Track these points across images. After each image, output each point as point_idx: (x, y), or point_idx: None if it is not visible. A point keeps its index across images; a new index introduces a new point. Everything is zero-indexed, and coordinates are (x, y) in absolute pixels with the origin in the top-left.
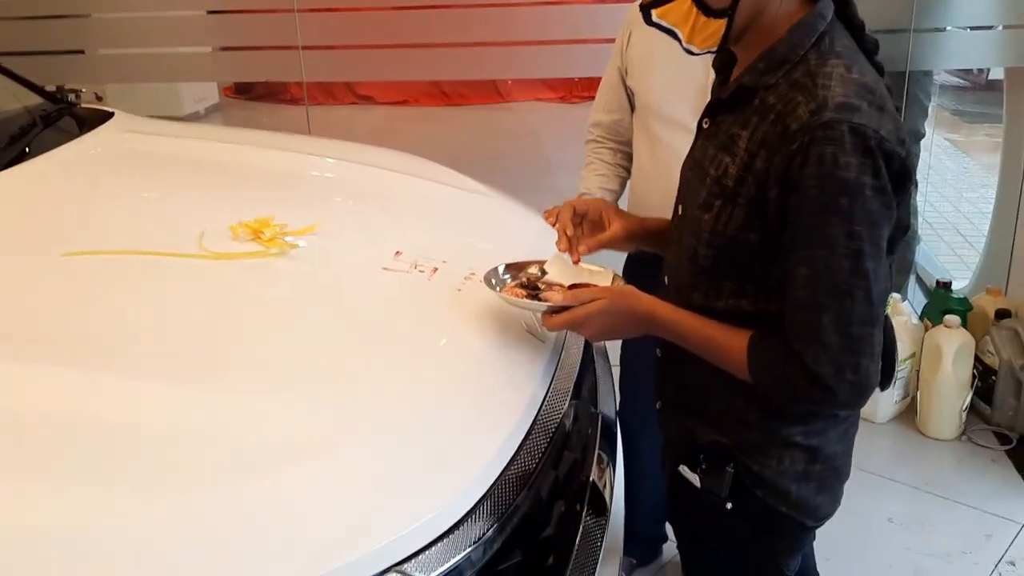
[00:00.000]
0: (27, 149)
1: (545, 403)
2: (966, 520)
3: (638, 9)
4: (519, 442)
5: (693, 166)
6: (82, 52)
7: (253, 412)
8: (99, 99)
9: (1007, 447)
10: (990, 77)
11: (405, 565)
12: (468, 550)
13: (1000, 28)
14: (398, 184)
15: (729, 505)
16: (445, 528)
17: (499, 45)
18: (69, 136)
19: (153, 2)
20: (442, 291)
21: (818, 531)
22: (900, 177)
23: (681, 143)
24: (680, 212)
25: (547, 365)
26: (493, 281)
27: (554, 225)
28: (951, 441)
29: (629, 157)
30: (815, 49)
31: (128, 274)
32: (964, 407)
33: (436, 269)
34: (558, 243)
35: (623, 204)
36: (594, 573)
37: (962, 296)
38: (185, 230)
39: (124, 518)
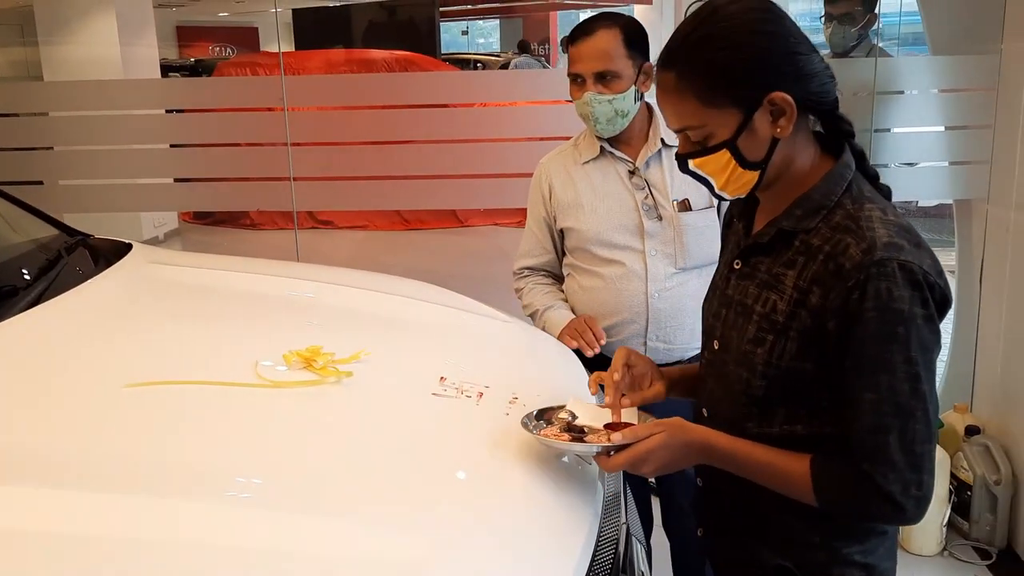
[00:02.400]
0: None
1: (602, 528)
2: None
3: (549, 166)
4: (587, 566)
5: (727, 303)
6: (41, 183)
7: (325, 537)
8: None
9: (988, 562)
10: (920, 204)
11: None
12: None
13: (947, 164)
14: (428, 312)
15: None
16: None
17: (469, 178)
18: (88, 267)
19: (121, 136)
20: (491, 415)
21: None
22: (942, 305)
23: (630, 259)
24: (718, 347)
25: (597, 487)
26: (532, 428)
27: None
28: (934, 557)
29: (559, 287)
30: (847, 195)
31: (192, 404)
32: (944, 522)
33: (481, 394)
34: (606, 396)
35: None
36: None
37: None
38: (238, 359)
39: None
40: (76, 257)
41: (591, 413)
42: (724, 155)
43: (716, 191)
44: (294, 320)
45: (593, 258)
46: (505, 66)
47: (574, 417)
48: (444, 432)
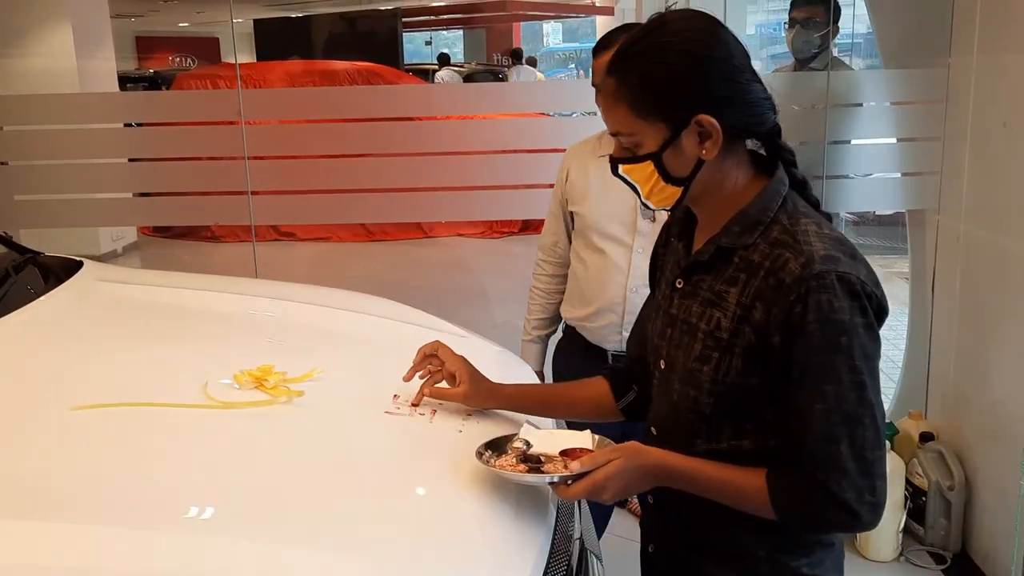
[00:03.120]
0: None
1: (554, 544)
2: None
3: (572, 153)
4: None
5: (672, 323)
6: None
7: (279, 562)
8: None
9: (943, 566)
10: (877, 213)
11: None
12: None
13: (899, 175)
14: (382, 328)
15: None
16: None
17: (429, 191)
18: (38, 285)
19: (77, 150)
20: (444, 432)
21: None
22: (879, 314)
23: (615, 251)
24: (664, 367)
25: (550, 505)
26: (486, 460)
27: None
28: (890, 562)
29: (563, 278)
30: (783, 210)
31: (140, 426)
32: (899, 528)
33: (435, 411)
34: (405, 375)
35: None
36: None
37: (888, 421)
38: (188, 380)
39: None
40: (25, 275)
41: (546, 440)
42: (649, 166)
43: (642, 199)
44: (246, 338)
45: (589, 244)
46: (469, 77)
47: (528, 446)
48: (396, 451)
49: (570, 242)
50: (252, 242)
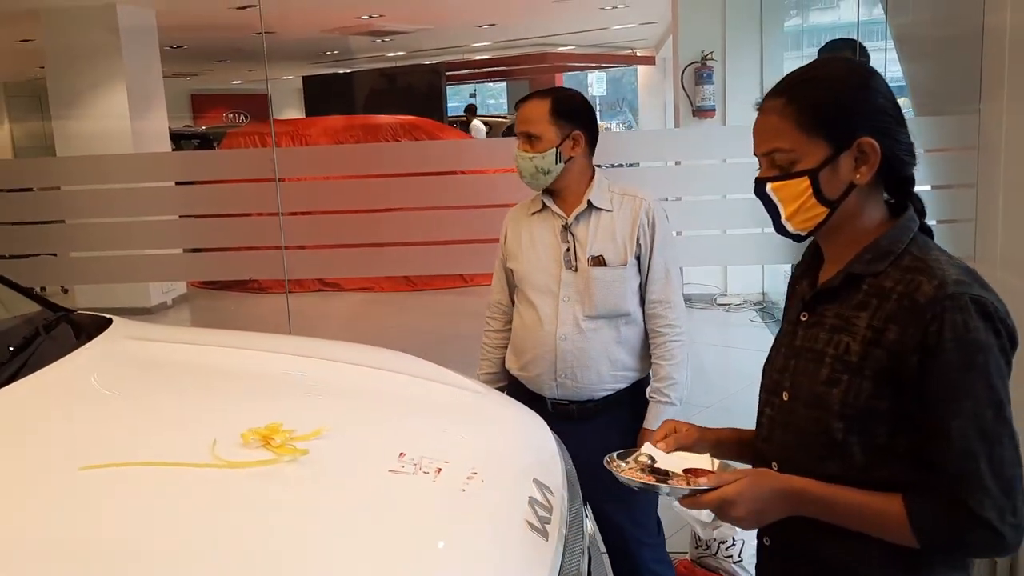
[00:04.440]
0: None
1: None
2: None
3: (511, 214)
4: None
5: (795, 354)
6: (54, 255)
7: None
8: (65, 291)
9: None
10: None
11: None
12: None
13: (935, 223)
14: (395, 384)
15: None
16: None
17: (462, 243)
18: (68, 342)
19: (126, 208)
20: (447, 492)
21: None
22: (1012, 341)
23: (544, 302)
24: (787, 398)
25: (554, 558)
26: (615, 466)
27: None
28: None
29: (508, 333)
30: (914, 243)
31: (146, 486)
32: None
33: (440, 470)
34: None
35: None
36: None
37: None
38: (197, 438)
39: None
40: (57, 333)
41: (668, 459)
42: (803, 183)
43: (782, 220)
44: (259, 396)
45: (523, 297)
46: (511, 128)
47: (653, 460)
48: (395, 511)
49: (512, 299)
50: (286, 295)
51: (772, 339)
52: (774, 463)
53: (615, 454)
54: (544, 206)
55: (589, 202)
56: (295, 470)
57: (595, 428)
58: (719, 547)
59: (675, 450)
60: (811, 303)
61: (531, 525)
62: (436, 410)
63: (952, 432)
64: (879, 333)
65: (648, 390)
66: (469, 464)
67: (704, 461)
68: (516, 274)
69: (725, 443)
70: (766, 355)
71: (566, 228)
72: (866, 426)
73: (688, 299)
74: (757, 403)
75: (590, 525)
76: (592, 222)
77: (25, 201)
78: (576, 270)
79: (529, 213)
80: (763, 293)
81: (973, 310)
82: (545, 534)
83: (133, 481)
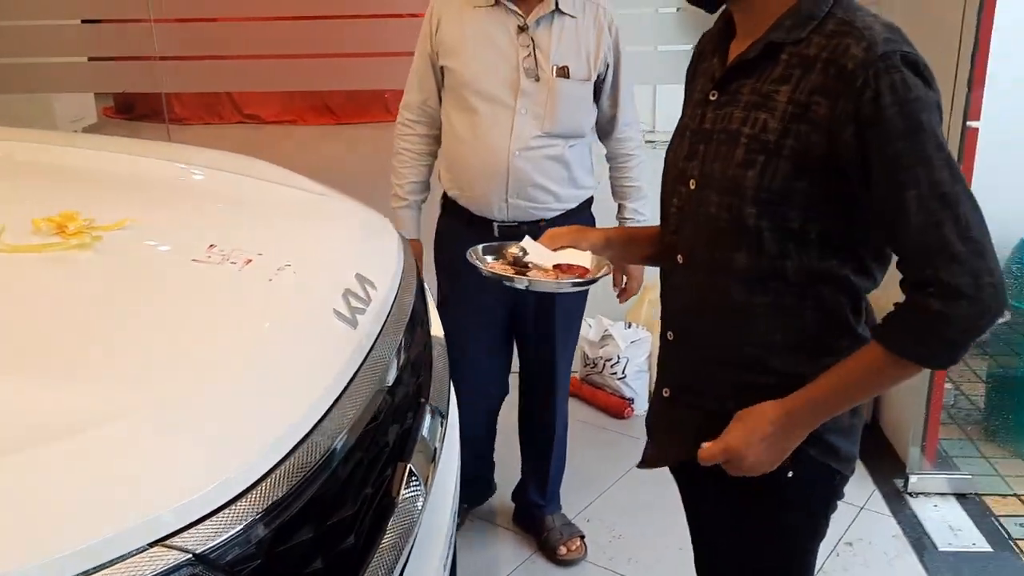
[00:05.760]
0: None
1: (355, 382)
2: None
3: (443, 3)
4: (317, 417)
5: (704, 138)
6: None
7: (28, 393)
8: None
9: None
10: None
11: (173, 539)
12: (245, 524)
13: None
14: (224, 182)
15: (791, 474)
16: (222, 502)
17: (372, 56)
18: None
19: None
20: (251, 281)
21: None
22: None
23: (497, 113)
24: (695, 186)
25: (358, 347)
26: (476, 258)
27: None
28: None
29: (435, 139)
30: (837, 4)
31: None
32: None
33: (250, 261)
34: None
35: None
36: (410, 540)
37: None
38: None
39: None
40: None
41: (543, 254)
42: None
43: None
44: (64, 188)
45: (465, 105)
46: None
47: (524, 253)
48: (184, 297)
49: (441, 101)
50: (165, 123)
51: None
52: (680, 256)
53: (481, 247)
54: (498, 1)
55: (557, 3)
56: (88, 257)
57: None
58: (604, 364)
59: (562, 248)
60: (723, 80)
61: (338, 313)
62: (266, 208)
63: (909, 204)
64: (804, 108)
65: (624, 213)
66: (285, 257)
67: (584, 258)
68: (456, 75)
69: (615, 242)
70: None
71: (523, 30)
72: (779, 210)
73: None
74: (660, 195)
75: (438, 336)
76: (556, 27)
77: None
78: (538, 80)
79: (473, 5)
80: None
81: (906, 67)
82: (354, 323)
83: None
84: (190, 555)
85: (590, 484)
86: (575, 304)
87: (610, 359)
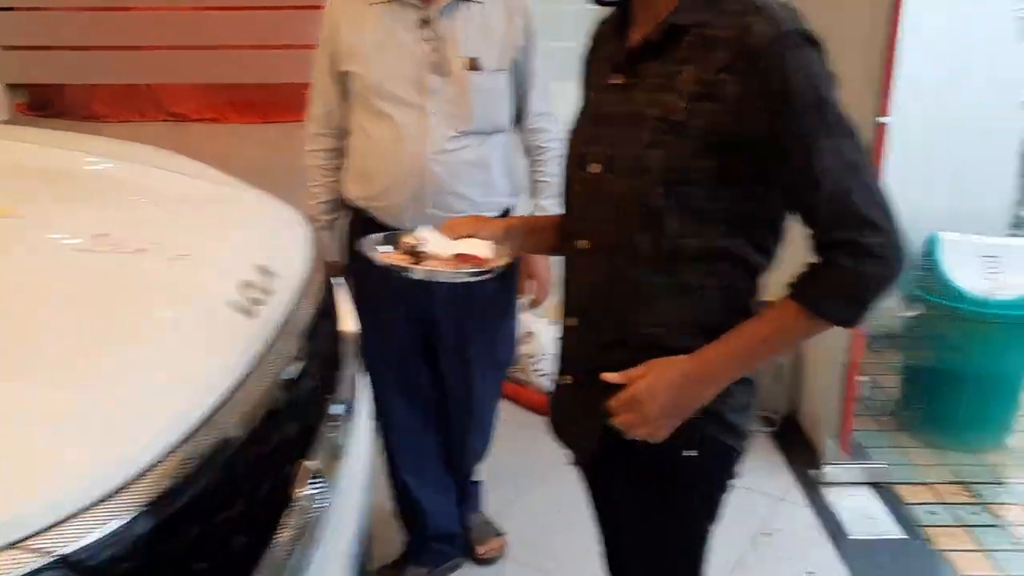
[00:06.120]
0: None
1: (251, 375)
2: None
3: (339, 2)
4: (203, 410)
5: (607, 122)
6: None
7: None
8: None
9: (771, 429)
10: None
11: (35, 540)
12: (122, 522)
13: None
14: (127, 172)
15: (694, 452)
16: (94, 498)
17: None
18: None
19: None
20: (140, 271)
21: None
22: None
23: (403, 115)
24: (599, 170)
25: (252, 338)
26: (367, 247)
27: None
28: None
29: (339, 152)
30: None
31: None
32: None
33: (142, 250)
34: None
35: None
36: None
37: None
38: None
39: None
40: None
41: (442, 243)
42: None
43: None
44: None
45: (371, 110)
46: None
47: (421, 243)
48: (60, 286)
49: (348, 109)
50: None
51: None
52: (582, 241)
53: (374, 236)
54: None
55: None
56: None
57: None
58: (528, 362)
59: (461, 237)
60: (626, 64)
61: (234, 304)
62: (169, 198)
63: (818, 174)
64: (711, 87)
65: (534, 212)
66: (181, 247)
67: (484, 248)
68: (360, 81)
69: (517, 231)
70: None
71: (426, 23)
72: (685, 189)
73: None
74: (562, 180)
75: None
76: (462, 16)
77: None
78: (448, 76)
79: (369, 2)
80: None
81: (806, 44)
82: (249, 314)
83: None
84: (55, 557)
85: (513, 481)
86: (496, 321)
87: (533, 356)
